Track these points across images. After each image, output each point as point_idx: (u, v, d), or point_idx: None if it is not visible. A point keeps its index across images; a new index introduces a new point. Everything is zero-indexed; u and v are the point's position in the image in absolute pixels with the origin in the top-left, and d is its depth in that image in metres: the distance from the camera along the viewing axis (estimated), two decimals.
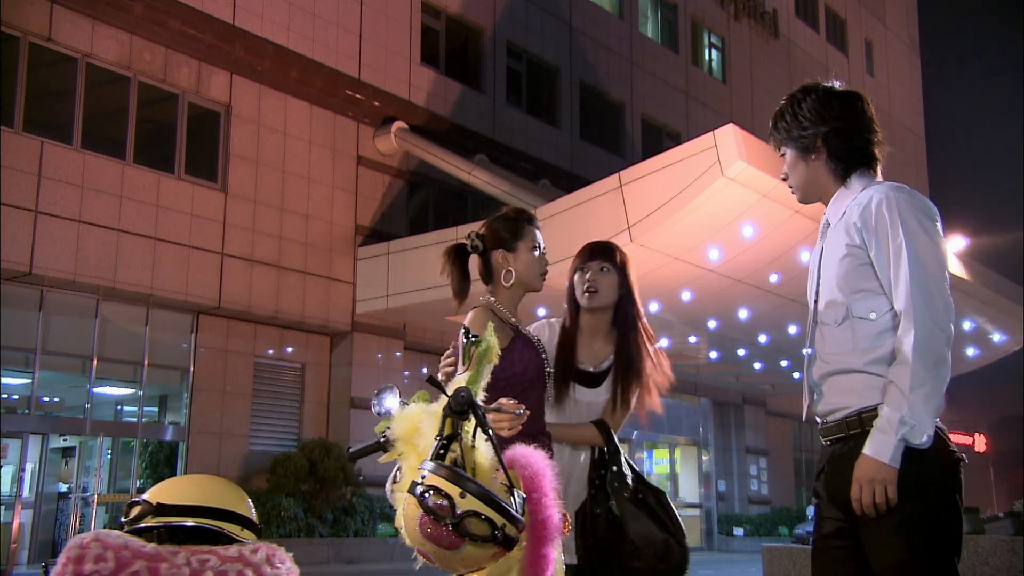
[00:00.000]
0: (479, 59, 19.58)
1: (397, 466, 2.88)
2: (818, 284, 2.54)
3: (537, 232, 3.22)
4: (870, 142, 2.54)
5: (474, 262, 3.19)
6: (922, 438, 2.24)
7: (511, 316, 3.09)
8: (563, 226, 13.82)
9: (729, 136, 12.28)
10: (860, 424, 2.37)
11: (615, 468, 2.91)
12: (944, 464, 2.30)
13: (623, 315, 3.18)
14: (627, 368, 3.09)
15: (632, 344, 3.14)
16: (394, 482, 2.86)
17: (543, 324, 3.27)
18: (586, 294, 3.16)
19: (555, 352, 3.16)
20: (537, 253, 3.17)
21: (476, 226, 3.32)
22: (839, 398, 2.43)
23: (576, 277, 3.23)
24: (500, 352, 2.70)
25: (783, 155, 2.63)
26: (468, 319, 3.01)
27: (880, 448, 2.25)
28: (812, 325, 2.56)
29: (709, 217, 12.43)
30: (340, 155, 16.59)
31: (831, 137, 2.52)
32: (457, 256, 3.16)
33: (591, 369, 3.13)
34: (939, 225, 2.40)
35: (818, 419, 2.52)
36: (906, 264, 2.31)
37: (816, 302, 2.55)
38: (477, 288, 3.17)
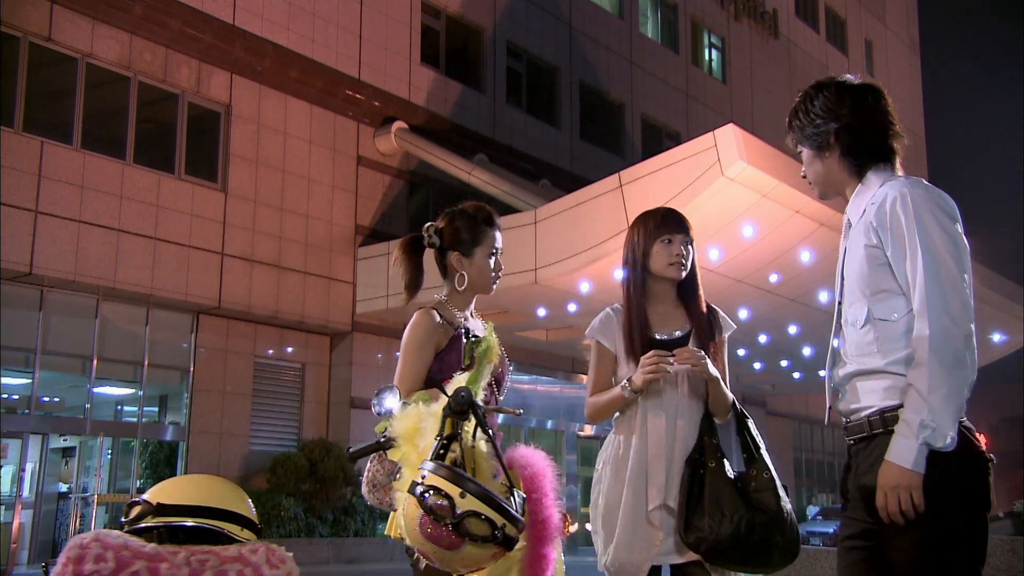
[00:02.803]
0: (479, 59, 19.58)
1: (382, 465, 2.89)
2: (841, 285, 2.51)
3: (497, 235, 3.14)
4: (885, 136, 2.49)
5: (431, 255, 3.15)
6: (944, 441, 2.18)
7: (458, 316, 3.06)
8: (563, 226, 13.83)
9: (729, 136, 12.27)
10: (883, 424, 2.33)
11: (719, 448, 2.90)
12: (969, 467, 2.24)
13: (690, 283, 3.13)
14: (709, 336, 3.06)
15: (703, 310, 3.13)
16: (373, 485, 2.86)
17: (609, 313, 3.17)
18: (672, 266, 3.07)
19: (626, 330, 3.08)
20: (493, 260, 3.11)
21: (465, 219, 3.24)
22: (861, 398, 2.40)
23: (659, 246, 3.08)
24: (487, 354, 2.70)
25: (800, 152, 2.61)
26: (413, 321, 2.99)
27: (902, 453, 2.20)
28: (836, 326, 2.53)
29: (709, 217, 12.43)
30: (340, 155, 16.59)
31: (843, 133, 2.47)
32: (412, 248, 3.13)
33: (665, 338, 3.07)
34: (958, 221, 2.34)
35: (842, 418, 2.50)
36: (921, 262, 2.27)
37: (840, 303, 2.51)
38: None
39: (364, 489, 2.87)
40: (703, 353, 2.96)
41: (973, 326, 2.27)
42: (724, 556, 2.82)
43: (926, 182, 2.40)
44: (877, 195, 2.41)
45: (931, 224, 2.30)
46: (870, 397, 2.38)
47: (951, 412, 2.19)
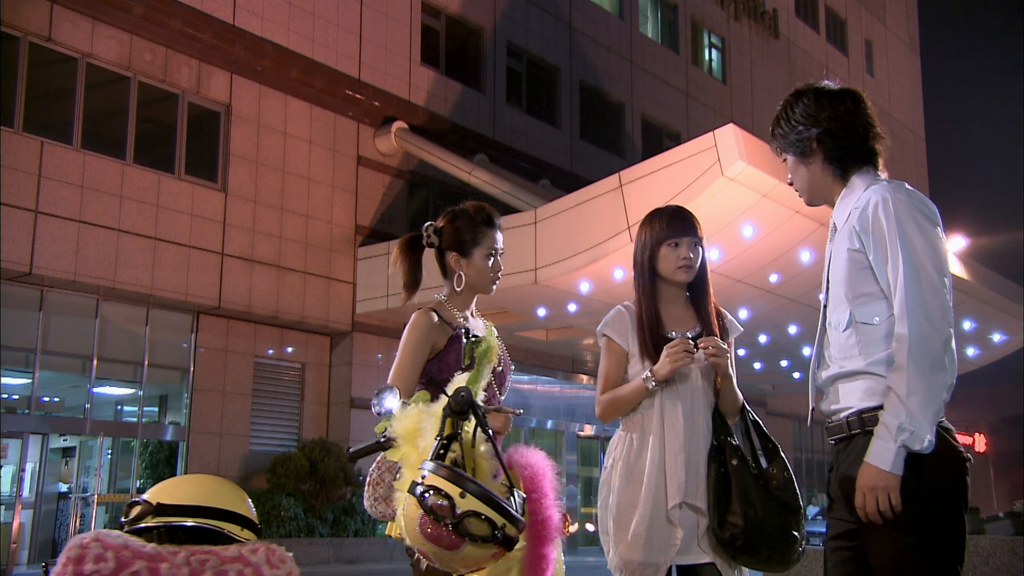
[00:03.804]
0: (479, 59, 19.58)
1: (382, 479, 2.88)
2: (827, 289, 2.54)
3: (497, 235, 3.12)
4: (866, 138, 2.52)
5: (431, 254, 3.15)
6: (922, 444, 2.22)
7: (458, 316, 3.07)
8: (563, 226, 13.83)
9: (729, 136, 12.27)
10: (860, 424, 2.36)
11: (737, 446, 2.95)
12: (947, 467, 2.27)
13: (701, 283, 3.14)
14: (718, 338, 3.07)
15: (713, 311, 3.14)
16: (375, 499, 2.86)
17: (621, 311, 3.15)
18: (681, 269, 3.07)
19: (638, 330, 3.08)
20: (492, 261, 3.10)
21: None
22: (841, 399, 2.44)
23: (666, 249, 3.08)
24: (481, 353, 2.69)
25: (785, 160, 2.63)
26: (411, 321, 2.99)
27: (881, 455, 2.24)
28: (821, 329, 2.56)
29: (709, 217, 12.36)
30: (340, 155, 16.59)
31: (825, 138, 2.51)
32: (411, 248, 3.13)
33: (678, 338, 3.06)
34: (938, 225, 2.37)
35: (825, 419, 2.53)
36: (901, 267, 2.30)
37: (825, 306, 2.54)
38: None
39: (367, 504, 2.86)
40: (725, 347, 3.00)
41: (952, 330, 2.29)
42: (757, 550, 2.85)
43: (908, 186, 2.43)
44: (861, 199, 2.44)
45: (912, 229, 2.33)
46: (849, 398, 2.41)
47: (929, 415, 2.23)
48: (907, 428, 2.21)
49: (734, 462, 2.91)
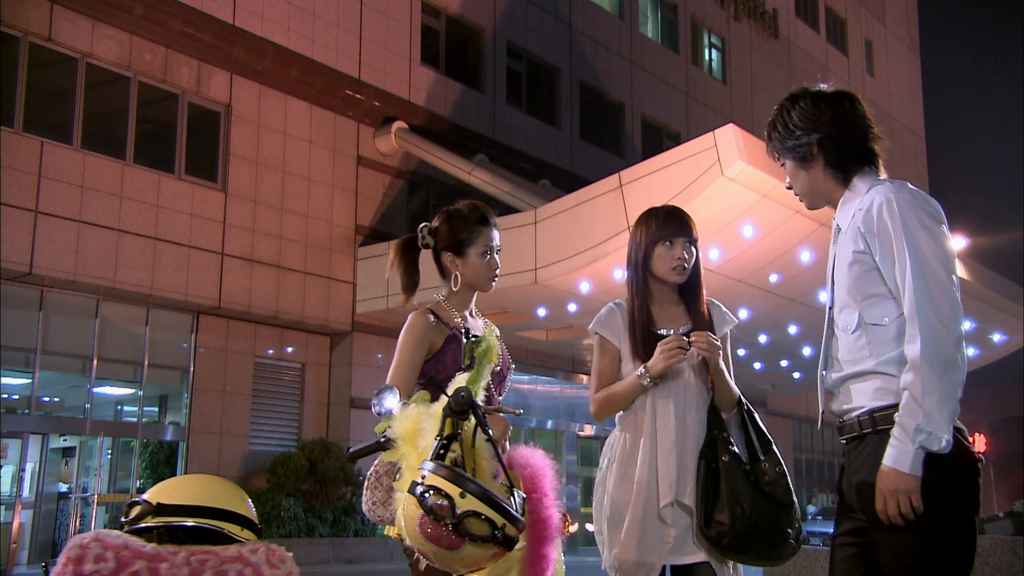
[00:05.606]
0: (479, 59, 19.58)
1: (379, 483, 2.88)
2: (832, 291, 2.53)
3: (493, 232, 3.11)
4: (866, 140, 2.51)
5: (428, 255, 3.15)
6: (940, 444, 2.21)
7: (456, 317, 3.06)
8: (563, 226, 13.83)
9: (729, 136, 12.27)
10: (872, 424, 2.36)
11: (730, 441, 2.94)
12: (959, 468, 2.26)
13: (693, 283, 3.14)
14: (711, 331, 3.07)
15: (704, 310, 3.14)
16: (372, 503, 2.86)
17: (613, 309, 3.15)
18: (675, 270, 3.07)
19: (630, 327, 3.07)
20: (487, 258, 3.08)
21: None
22: (853, 399, 2.43)
23: (660, 249, 3.07)
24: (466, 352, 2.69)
25: (783, 165, 2.62)
26: (407, 322, 2.99)
27: (899, 458, 2.22)
28: (828, 331, 2.54)
29: (709, 217, 12.43)
30: (340, 155, 16.59)
31: (825, 142, 2.48)
32: (407, 250, 3.14)
33: (670, 334, 3.05)
34: (943, 224, 2.37)
35: (836, 420, 2.52)
36: (909, 267, 2.29)
37: (831, 308, 2.53)
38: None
39: (365, 507, 2.86)
40: (719, 343, 2.99)
41: (962, 328, 2.29)
42: (744, 548, 2.84)
43: (911, 185, 2.42)
44: (864, 200, 2.43)
45: (917, 228, 2.32)
46: (861, 398, 2.41)
47: (946, 415, 2.21)
48: (924, 429, 2.20)
49: (725, 458, 2.90)
